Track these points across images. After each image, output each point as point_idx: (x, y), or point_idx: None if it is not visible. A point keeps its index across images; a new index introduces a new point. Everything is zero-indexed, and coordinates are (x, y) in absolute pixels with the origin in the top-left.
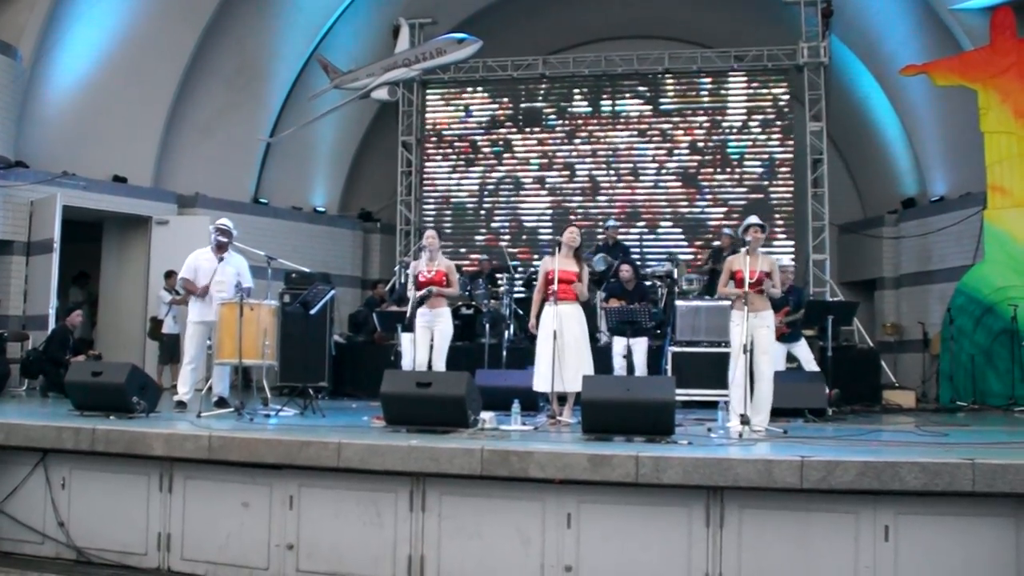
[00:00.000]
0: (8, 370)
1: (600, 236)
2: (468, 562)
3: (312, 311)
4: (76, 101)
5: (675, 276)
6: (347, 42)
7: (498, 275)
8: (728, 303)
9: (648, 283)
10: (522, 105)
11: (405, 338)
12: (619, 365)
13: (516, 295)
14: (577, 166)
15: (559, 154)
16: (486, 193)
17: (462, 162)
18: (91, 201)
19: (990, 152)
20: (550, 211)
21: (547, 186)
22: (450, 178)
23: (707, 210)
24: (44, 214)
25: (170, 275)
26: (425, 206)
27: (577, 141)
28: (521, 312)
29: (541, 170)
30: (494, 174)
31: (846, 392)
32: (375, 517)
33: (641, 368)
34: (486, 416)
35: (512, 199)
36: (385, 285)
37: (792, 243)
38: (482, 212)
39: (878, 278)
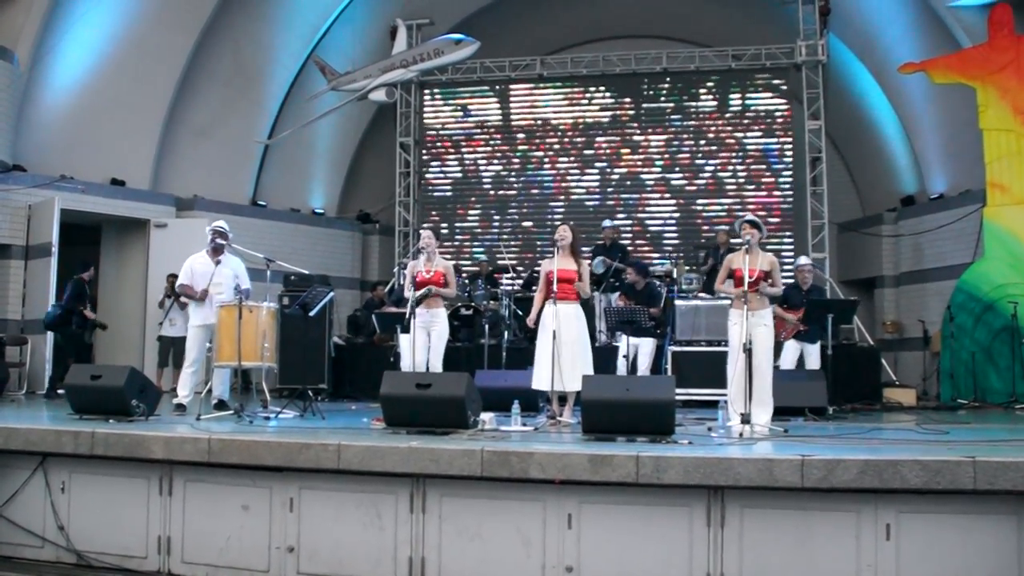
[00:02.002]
0: (7, 374)
1: (598, 239)
2: (469, 563)
3: (311, 313)
4: (73, 104)
5: (674, 276)
6: (344, 43)
7: (497, 276)
8: (728, 302)
9: (658, 283)
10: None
11: (404, 339)
12: (621, 364)
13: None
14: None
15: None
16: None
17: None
18: (89, 204)
19: (989, 149)
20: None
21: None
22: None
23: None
24: (42, 218)
25: (171, 277)
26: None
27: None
28: (520, 313)
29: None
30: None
31: (847, 390)
32: (375, 519)
33: (646, 368)
34: (486, 417)
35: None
36: (384, 286)
37: (792, 242)
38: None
39: (878, 276)
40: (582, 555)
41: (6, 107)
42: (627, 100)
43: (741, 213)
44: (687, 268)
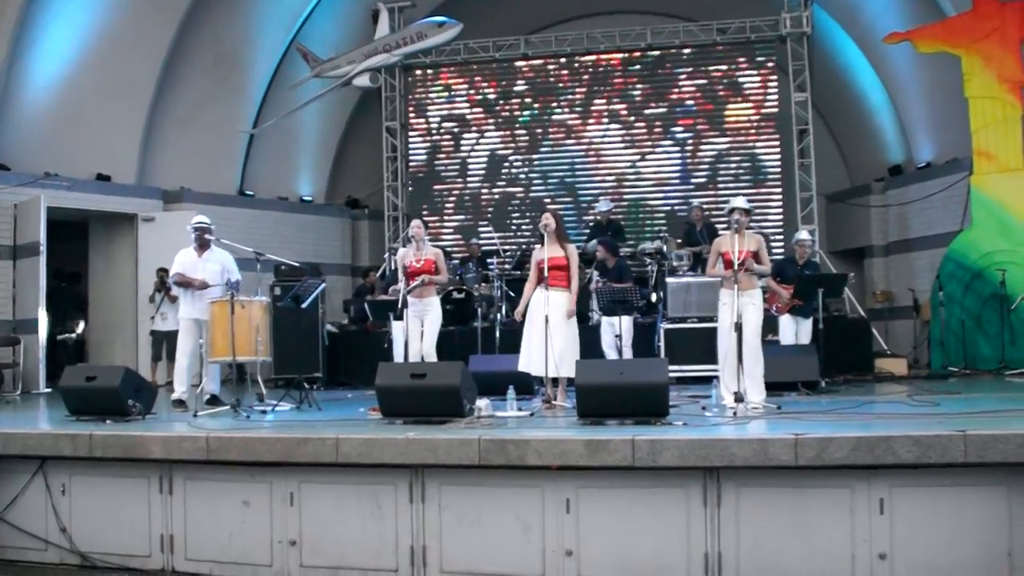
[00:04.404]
0: (1, 375)
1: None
2: (470, 550)
3: (303, 305)
4: (55, 101)
5: (665, 252)
6: (326, 29)
7: (488, 259)
8: (718, 279)
9: (646, 260)
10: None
11: (396, 327)
12: (608, 344)
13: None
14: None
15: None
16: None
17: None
18: (75, 201)
19: (975, 117)
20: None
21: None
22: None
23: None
24: (29, 216)
25: (160, 271)
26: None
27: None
28: (512, 295)
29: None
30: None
31: (839, 362)
32: (376, 510)
33: (626, 345)
34: (481, 404)
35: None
36: (376, 271)
37: (781, 214)
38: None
39: (867, 246)
40: (581, 539)
41: None
42: (614, 77)
43: (731, 195)
44: (677, 244)
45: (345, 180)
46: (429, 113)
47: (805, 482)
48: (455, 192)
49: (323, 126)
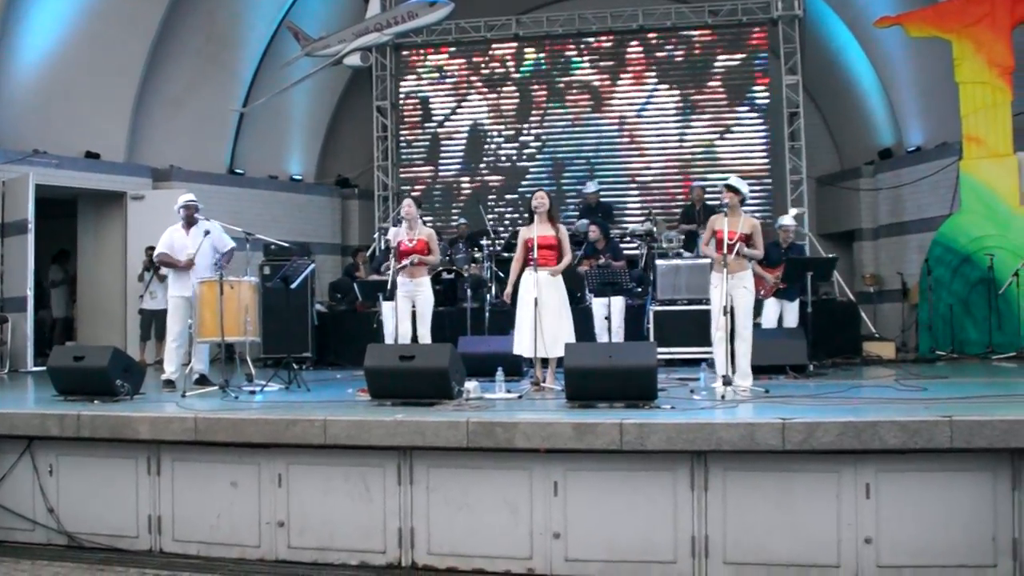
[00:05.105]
0: None
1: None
2: (457, 532)
3: (292, 286)
4: (44, 78)
5: (655, 234)
6: (317, 8)
7: (478, 239)
8: (708, 261)
9: (631, 241)
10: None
11: (386, 307)
12: (601, 327)
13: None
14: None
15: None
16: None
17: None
18: (64, 178)
19: (965, 102)
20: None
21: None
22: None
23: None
24: (17, 194)
25: (149, 250)
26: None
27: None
28: (502, 275)
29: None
30: None
31: (828, 345)
32: (364, 492)
33: (619, 326)
34: (470, 386)
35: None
36: (366, 251)
37: (770, 197)
38: None
39: (856, 229)
40: (568, 522)
41: None
42: (607, 58)
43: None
44: (667, 226)
45: (335, 159)
46: (417, 92)
47: (792, 466)
48: (435, 177)
49: (313, 105)
